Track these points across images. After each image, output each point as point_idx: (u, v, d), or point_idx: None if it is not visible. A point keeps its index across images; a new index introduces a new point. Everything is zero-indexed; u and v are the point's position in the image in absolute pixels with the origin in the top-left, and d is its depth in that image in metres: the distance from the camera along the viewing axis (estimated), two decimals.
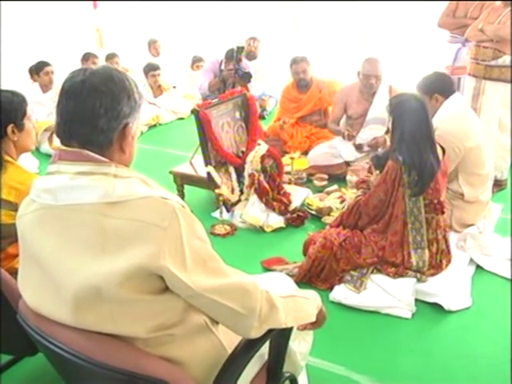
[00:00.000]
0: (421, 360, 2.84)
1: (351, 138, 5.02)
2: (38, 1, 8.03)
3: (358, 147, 5.00)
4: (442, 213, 3.29)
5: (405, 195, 3.26)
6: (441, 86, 3.75)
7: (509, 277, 3.49)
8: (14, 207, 2.27)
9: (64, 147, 1.51)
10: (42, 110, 6.48)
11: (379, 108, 4.92)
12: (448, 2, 5.49)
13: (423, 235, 3.27)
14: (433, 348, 2.93)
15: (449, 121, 3.62)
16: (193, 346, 1.60)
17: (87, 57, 7.57)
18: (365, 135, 5.03)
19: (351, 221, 3.52)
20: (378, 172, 3.65)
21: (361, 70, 4.98)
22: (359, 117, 5.14)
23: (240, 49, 5.72)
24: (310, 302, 1.84)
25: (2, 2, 7.57)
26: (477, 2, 5.22)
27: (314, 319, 1.88)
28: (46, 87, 6.71)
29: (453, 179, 3.74)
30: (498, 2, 4.61)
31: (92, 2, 9.12)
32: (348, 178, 4.65)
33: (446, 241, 3.36)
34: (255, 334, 1.58)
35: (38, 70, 6.68)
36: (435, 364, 2.81)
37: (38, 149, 6.12)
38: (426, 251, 3.28)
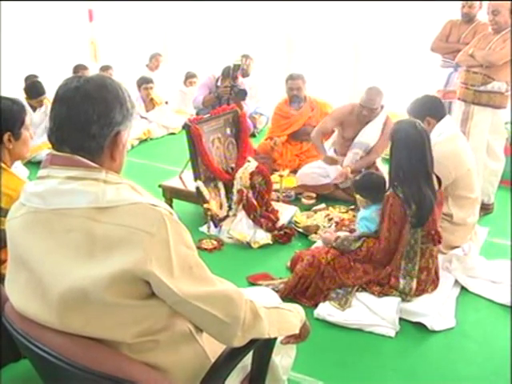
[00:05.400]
0: (403, 378, 2.85)
1: (334, 162, 4.98)
2: (32, 1, 8.04)
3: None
4: (439, 243, 3.27)
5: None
6: (432, 109, 3.77)
7: (493, 299, 3.51)
8: (5, 213, 2.26)
9: (55, 152, 1.52)
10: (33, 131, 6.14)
11: (368, 134, 4.94)
12: (442, 26, 5.60)
13: (415, 264, 3.25)
14: (416, 367, 2.93)
15: (442, 144, 3.63)
16: (176, 353, 1.61)
17: (77, 69, 7.60)
18: (348, 157, 5.03)
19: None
20: (358, 196, 3.68)
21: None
22: (351, 139, 5.11)
23: (236, 66, 5.78)
24: (293, 314, 1.85)
25: None
26: (470, 27, 5.33)
27: (297, 331, 1.88)
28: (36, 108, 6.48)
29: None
30: (489, 29, 4.69)
31: (88, 13, 9.13)
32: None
33: (436, 268, 3.38)
34: (238, 342, 1.59)
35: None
36: (417, 383, 2.82)
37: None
38: (415, 280, 3.27)
